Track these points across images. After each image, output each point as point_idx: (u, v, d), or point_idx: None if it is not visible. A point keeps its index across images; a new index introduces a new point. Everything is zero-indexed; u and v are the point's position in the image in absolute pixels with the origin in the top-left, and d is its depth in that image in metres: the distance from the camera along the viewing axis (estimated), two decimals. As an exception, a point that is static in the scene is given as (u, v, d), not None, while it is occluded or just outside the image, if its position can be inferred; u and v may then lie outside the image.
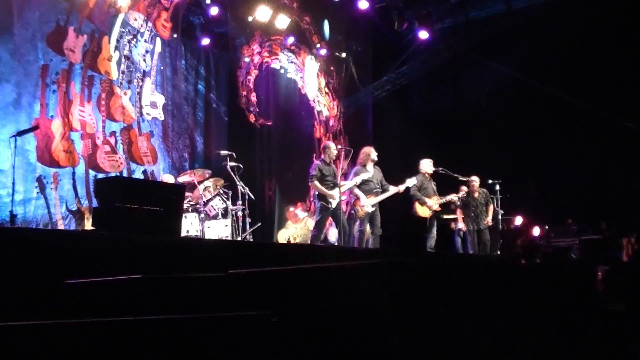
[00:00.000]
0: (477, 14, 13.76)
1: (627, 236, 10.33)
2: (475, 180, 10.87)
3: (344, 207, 9.47)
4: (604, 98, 12.44)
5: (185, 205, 9.11)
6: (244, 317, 2.72)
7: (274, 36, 13.09)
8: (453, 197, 10.71)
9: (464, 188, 10.98)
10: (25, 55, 9.09)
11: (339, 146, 10.71)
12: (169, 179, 10.24)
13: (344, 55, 14.59)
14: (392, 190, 9.83)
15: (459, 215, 11.01)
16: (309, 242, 10.63)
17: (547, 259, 7.88)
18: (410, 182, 10.07)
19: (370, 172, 9.74)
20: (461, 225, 10.91)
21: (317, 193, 9.42)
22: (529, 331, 3.63)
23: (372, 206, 9.59)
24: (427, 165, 10.60)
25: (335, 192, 9.24)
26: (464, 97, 15.43)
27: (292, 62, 13.75)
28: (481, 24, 13.77)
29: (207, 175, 10.20)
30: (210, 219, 9.84)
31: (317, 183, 9.27)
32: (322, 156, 9.74)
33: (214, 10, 11.74)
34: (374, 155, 9.81)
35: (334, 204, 9.24)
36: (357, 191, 9.55)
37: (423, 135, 14.81)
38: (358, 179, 9.53)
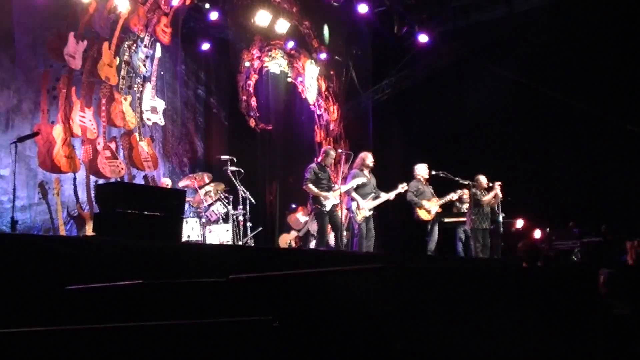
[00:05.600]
0: (478, 18, 13.74)
1: (631, 239, 10.28)
2: (483, 179, 10.80)
3: (340, 212, 9.49)
4: (606, 101, 12.43)
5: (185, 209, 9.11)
6: (245, 322, 2.72)
7: (274, 41, 13.11)
8: (452, 196, 10.68)
9: (466, 191, 10.95)
10: (26, 61, 9.11)
11: (340, 150, 10.72)
12: (166, 182, 10.26)
13: (343, 59, 14.59)
14: (384, 197, 9.88)
15: (467, 212, 10.89)
16: (310, 246, 10.64)
17: (549, 262, 7.87)
18: (401, 187, 10.10)
19: (367, 176, 9.79)
20: (467, 225, 10.78)
21: (312, 196, 9.46)
22: (530, 335, 3.62)
23: (369, 210, 9.66)
24: (422, 170, 10.60)
25: (329, 195, 9.28)
26: (465, 100, 15.39)
27: (292, 66, 13.76)
28: (483, 27, 13.75)
29: (208, 180, 10.20)
30: (211, 223, 9.85)
31: (311, 185, 9.31)
32: (319, 160, 9.76)
33: (213, 15, 11.77)
34: (369, 160, 9.87)
35: (328, 206, 9.27)
36: (354, 195, 9.59)
37: (424, 139, 14.80)
38: (354, 183, 9.58)
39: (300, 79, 13.92)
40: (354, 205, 9.58)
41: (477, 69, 14.37)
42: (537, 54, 13.43)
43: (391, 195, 9.96)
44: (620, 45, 12.35)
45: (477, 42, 13.93)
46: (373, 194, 9.77)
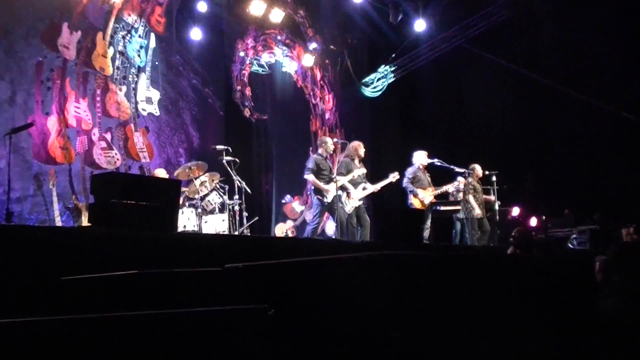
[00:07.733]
0: (474, 6, 13.70)
1: (626, 226, 10.33)
2: (478, 168, 10.81)
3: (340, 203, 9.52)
4: (602, 88, 12.44)
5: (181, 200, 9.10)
6: (241, 311, 2.72)
7: (269, 30, 13.07)
8: (448, 187, 10.69)
9: (460, 179, 10.93)
10: (20, 52, 9.06)
11: (335, 139, 10.73)
12: (160, 173, 10.23)
13: (339, 48, 14.54)
14: (370, 188, 9.91)
15: (462, 200, 10.87)
16: (305, 235, 10.63)
17: (543, 249, 7.89)
18: (392, 177, 10.11)
19: (357, 166, 9.82)
20: (462, 213, 10.75)
21: (313, 187, 9.49)
22: (525, 324, 3.63)
23: (359, 200, 9.70)
24: (421, 157, 10.60)
25: (330, 187, 9.31)
26: (462, 89, 15.36)
27: (287, 55, 13.72)
28: (480, 15, 13.72)
29: (204, 170, 10.18)
30: (207, 213, 9.83)
31: (312, 176, 9.34)
32: (319, 150, 9.81)
33: (201, 7, 11.70)
34: (361, 151, 9.91)
35: (329, 198, 9.31)
36: (347, 184, 9.60)
37: (420, 127, 14.79)
38: (355, 174, 9.61)
39: (295, 68, 13.89)
40: (343, 195, 9.59)
41: (474, 58, 14.34)
42: (534, 41, 13.42)
43: (377, 187, 9.99)
44: (619, 33, 12.34)
45: (474, 30, 13.90)
46: (362, 184, 9.81)
